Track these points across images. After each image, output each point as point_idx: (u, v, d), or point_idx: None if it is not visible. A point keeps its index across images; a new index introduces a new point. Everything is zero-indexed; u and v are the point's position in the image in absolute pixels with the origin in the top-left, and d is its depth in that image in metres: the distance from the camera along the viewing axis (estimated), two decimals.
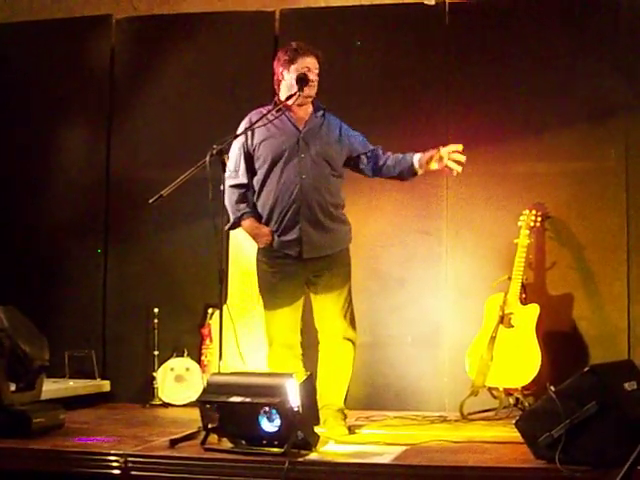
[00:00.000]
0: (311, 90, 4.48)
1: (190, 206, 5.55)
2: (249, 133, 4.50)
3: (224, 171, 4.35)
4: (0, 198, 6.12)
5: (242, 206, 4.50)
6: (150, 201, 4.28)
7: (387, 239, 5.60)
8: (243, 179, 4.52)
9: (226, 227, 4.55)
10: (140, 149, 6.07)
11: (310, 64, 4.46)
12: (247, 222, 4.50)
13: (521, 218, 5.25)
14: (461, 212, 5.60)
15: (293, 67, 4.46)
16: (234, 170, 4.52)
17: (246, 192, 4.53)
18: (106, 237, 6.06)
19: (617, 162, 5.42)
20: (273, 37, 5.92)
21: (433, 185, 5.58)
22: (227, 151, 4.34)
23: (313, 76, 4.46)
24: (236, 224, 4.53)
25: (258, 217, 4.50)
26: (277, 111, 4.49)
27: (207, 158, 4.20)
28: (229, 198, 4.50)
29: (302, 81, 4.42)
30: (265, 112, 4.47)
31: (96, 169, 6.11)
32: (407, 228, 5.62)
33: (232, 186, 4.50)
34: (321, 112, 4.58)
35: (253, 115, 4.53)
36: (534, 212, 5.26)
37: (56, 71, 6.19)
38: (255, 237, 4.52)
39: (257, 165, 4.51)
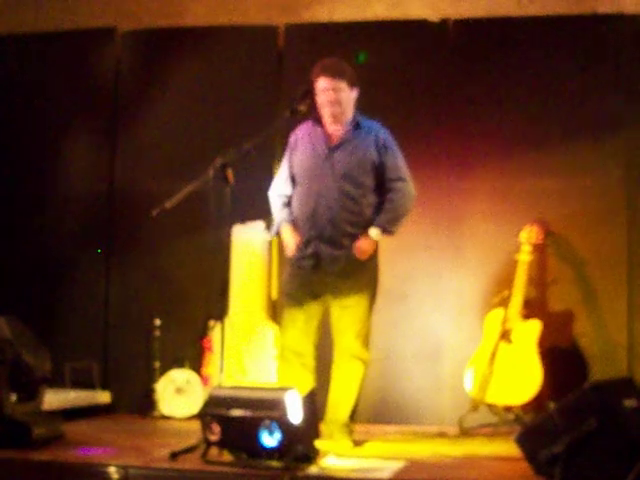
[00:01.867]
0: (332, 109, 4.47)
1: (193, 218, 5.56)
2: (293, 145, 4.63)
3: (227, 184, 4.37)
4: (4, 209, 6.14)
5: (281, 214, 4.63)
6: (153, 214, 4.30)
7: (389, 254, 5.58)
8: (285, 188, 4.65)
9: (272, 233, 4.76)
10: (144, 161, 6.08)
11: (324, 85, 4.46)
12: (283, 230, 4.61)
13: (522, 234, 5.27)
14: (463, 227, 5.62)
15: (316, 86, 4.51)
16: (279, 178, 4.69)
17: (289, 200, 4.63)
18: (109, 248, 6.07)
19: (618, 179, 5.45)
20: (277, 51, 5.95)
21: (436, 200, 5.60)
22: (230, 164, 4.36)
23: (328, 97, 4.45)
24: (277, 230, 4.68)
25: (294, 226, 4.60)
26: (313, 125, 4.57)
27: (210, 172, 4.23)
28: (272, 205, 4.69)
29: (306, 95, 4.49)
30: (307, 126, 4.60)
31: (100, 181, 6.12)
32: (409, 243, 5.61)
33: (276, 194, 4.66)
34: (354, 124, 4.56)
35: (299, 127, 4.63)
36: (535, 228, 5.27)
37: (61, 83, 6.20)
38: (285, 245, 4.64)
39: (295, 178, 4.62)
